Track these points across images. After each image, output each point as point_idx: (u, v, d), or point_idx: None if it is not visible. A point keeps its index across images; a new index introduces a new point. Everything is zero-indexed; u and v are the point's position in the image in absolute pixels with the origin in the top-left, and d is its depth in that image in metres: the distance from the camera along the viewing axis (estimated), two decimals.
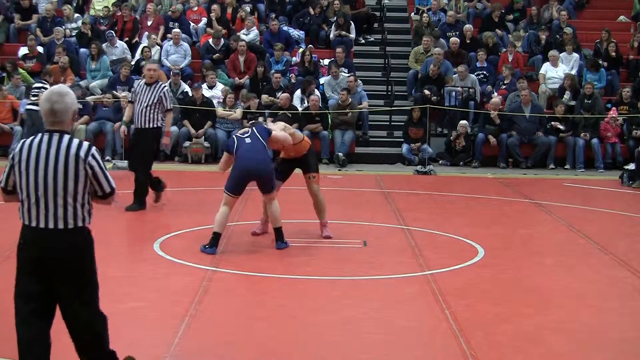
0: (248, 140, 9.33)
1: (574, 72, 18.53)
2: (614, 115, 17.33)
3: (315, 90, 17.54)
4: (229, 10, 20.23)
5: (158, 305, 7.28)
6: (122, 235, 10.29)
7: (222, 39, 19.06)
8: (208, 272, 8.23)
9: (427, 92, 17.59)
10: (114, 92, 17.52)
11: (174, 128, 16.91)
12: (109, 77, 18.05)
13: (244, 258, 9.02)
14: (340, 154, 16.84)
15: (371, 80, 19.55)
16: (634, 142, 16.98)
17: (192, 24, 20.13)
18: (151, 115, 11.43)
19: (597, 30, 19.89)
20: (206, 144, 16.81)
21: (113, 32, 19.20)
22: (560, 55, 18.70)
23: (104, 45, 18.71)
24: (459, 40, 19.15)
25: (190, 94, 17.35)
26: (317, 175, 10.01)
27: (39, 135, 4.86)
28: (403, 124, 17.66)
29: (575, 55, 18.88)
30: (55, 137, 4.81)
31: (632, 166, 15.54)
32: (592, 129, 17.21)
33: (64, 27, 19.41)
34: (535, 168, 16.93)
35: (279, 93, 17.28)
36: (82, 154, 4.79)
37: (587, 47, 19.76)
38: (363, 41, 20.87)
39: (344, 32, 19.81)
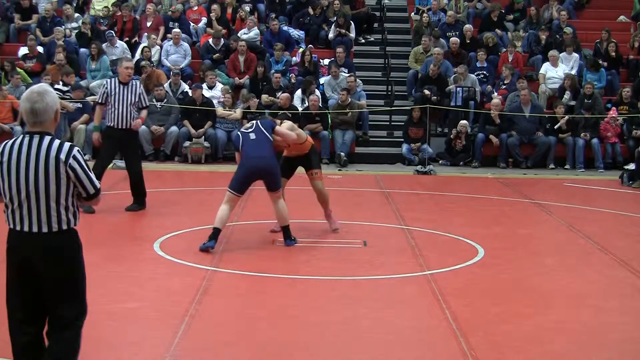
0: (253, 136, 9.36)
1: (574, 72, 18.54)
2: (614, 115, 17.33)
3: (316, 90, 17.54)
4: (229, 10, 20.24)
5: (158, 305, 7.27)
6: (122, 235, 10.29)
7: (222, 39, 19.06)
8: (208, 272, 8.23)
9: (427, 92, 17.59)
10: None
11: (174, 128, 16.94)
12: (108, 77, 18.05)
13: (244, 258, 9.02)
14: (342, 153, 16.85)
15: (371, 80, 19.55)
16: (634, 142, 16.99)
17: (192, 24, 20.14)
18: (134, 114, 11.43)
19: (597, 30, 19.90)
20: (206, 144, 16.81)
21: (113, 32, 19.20)
22: (560, 55, 18.70)
23: (104, 45, 18.71)
24: (459, 40, 19.16)
25: (190, 94, 17.35)
26: (320, 171, 10.15)
27: (20, 136, 4.71)
28: (403, 124, 17.66)
29: (575, 55, 18.88)
30: (36, 138, 4.65)
31: (632, 166, 15.55)
32: (592, 129, 17.21)
33: (64, 27, 19.42)
34: (535, 168, 16.93)
35: (279, 93, 17.28)
36: (62, 156, 4.63)
37: (587, 47, 19.77)
38: (363, 41, 20.87)
39: (343, 31, 19.81)
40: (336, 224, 10.35)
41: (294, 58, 19.25)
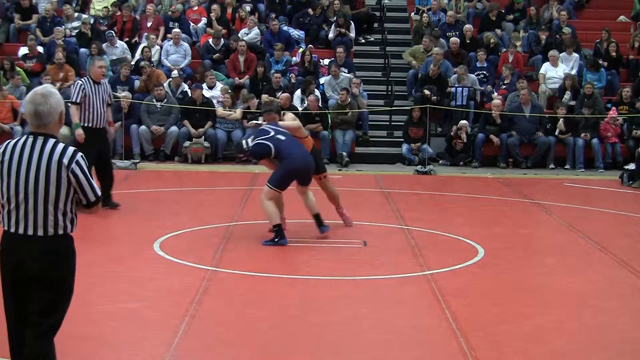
0: (282, 137, 9.66)
1: (574, 72, 18.54)
2: (614, 115, 17.33)
3: (315, 90, 17.54)
4: (229, 10, 20.24)
5: (158, 305, 7.27)
6: (122, 235, 10.28)
7: (222, 39, 19.06)
8: (208, 272, 8.22)
9: (427, 92, 17.59)
10: (114, 92, 17.50)
11: (174, 128, 16.94)
12: (109, 77, 18.03)
13: (244, 258, 9.02)
14: (344, 153, 16.85)
15: (371, 80, 19.55)
16: (634, 142, 16.99)
17: (192, 24, 20.14)
18: (106, 113, 11.49)
19: (597, 30, 19.89)
20: (206, 144, 16.81)
21: (113, 32, 19.21)
22: (560, 55, 18.70)
23: (104, 45, 18.71)
24: (459, 40, 19.15)
25: (189, 94, 17.35)
26: (327, 173, 10.69)
27: (24, 137, 4.62)
28: (403, 124, 17.66)
29: (575, 55, 18.88)
30: (40, 140, 4.56)
31: (632, 166, 15.55)
32: (592, 129, 17.21)
33: (64, 27, 19.42)
34: (535, 168, 16.93)
35: (279, 93, 17.28)
36: (65, 160, 4.54)
37: (587, 47, 19.76)
38: (363, 41, 20.87)
39: (343, 30, 19.81)
40: (350, 220, 10.67)
41: (294, 58, 19.25)
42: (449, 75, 18.28)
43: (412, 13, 21.37)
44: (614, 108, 17.59)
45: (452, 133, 17.26)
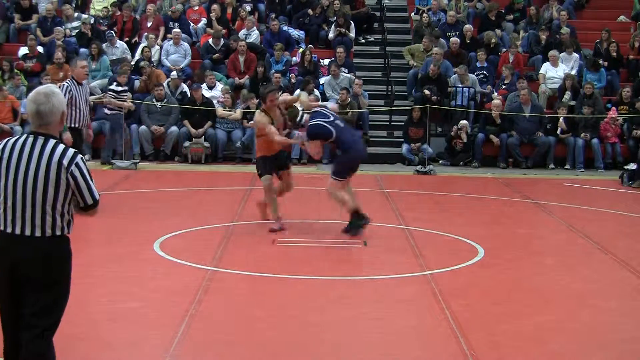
0: (340, 123, 9.93)
1: (574, 72, 18.54)
2: (614, 115, 17.33)
3: (315, 90, 17.53)
4: (229, 10, 20.23)
5: (158, 305, 7.27)
6: (122, 235, 10.28)
7: (222, 39, 19.06)
8: (208, 272, 8.22)
9: (427, 92, 17.59)
10: (113, 89, 17.49)
11: (174, 128, 16.94)
12: (109, 77, 18.04)
13: (244, 258, 9.02)
14: None
15: (371, 80, 19.54)
16: (634, 142, 16.99)
17: (192, 24, 20.14)
18: (88, 114, 11.61)
19: (597, 30, 19.89)
20: (206, 143, 16.81)
21: (113, 32, 19.21)
22: (560, 55, 18.70)
23: (104, 45, 18.71)
24: (459, 40, 19.15)
25: (188, 94, 17.35)
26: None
27: (24, 135, 4.61)
28: (403, 124, 17.66)
29: (575, 55, 18.88)
30: (40, 140, 4.53)
31: (632, 166, 15.54)
32: (592, 129, 17.21)
33: (64, 27, 19.42)
34: (535, 168, 16.93)
35: (279, 93, 17.23)
36: (65, 162, 4.51)
37: (587, 47, 19.76)
38: (363, 41, 20.86)
39: (343, 30, 19.81)
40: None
41: (294, 58, 19.24)
42: (449, 75, 18.28)
43: (412, 13, 21.37)
44: (614, 108, 17.59)
45: (452, 133, 17.27)
